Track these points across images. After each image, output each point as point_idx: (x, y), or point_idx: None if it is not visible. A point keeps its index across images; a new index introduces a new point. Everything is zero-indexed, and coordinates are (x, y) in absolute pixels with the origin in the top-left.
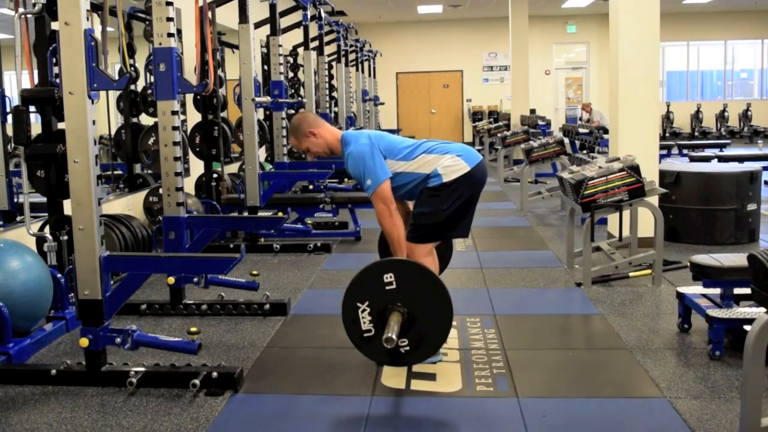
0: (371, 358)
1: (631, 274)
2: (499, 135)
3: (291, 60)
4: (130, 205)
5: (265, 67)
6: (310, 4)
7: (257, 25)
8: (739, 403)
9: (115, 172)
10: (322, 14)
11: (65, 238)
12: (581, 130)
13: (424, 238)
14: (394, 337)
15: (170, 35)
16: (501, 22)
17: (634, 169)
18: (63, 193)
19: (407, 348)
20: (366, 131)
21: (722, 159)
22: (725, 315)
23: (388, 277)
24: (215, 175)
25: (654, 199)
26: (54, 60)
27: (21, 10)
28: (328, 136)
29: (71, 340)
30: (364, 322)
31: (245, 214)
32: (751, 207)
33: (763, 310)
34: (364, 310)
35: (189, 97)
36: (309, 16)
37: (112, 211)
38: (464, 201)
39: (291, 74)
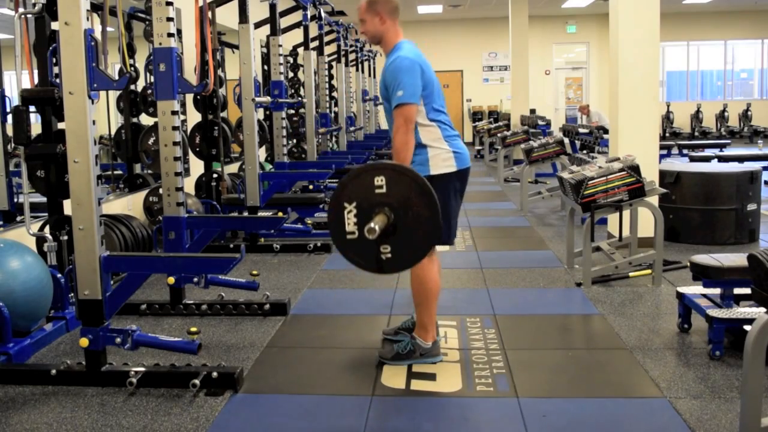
0: (352, 261)
1: (631, 274)
2: (499, 135)
3: (291, 60)
4: (130, 205)
5: (265, 67)
6: (310, 4)
7: (257, 25)
8: (739, 403)
9: (115, 172)
10: (322, 14)
11: (65, 238)
12: (581, 130)
13: None
14: (376, 228)
15: (170, 35)
16: (501, 22)
17: (634, 169)
18: (63, 193)
19: (389, 255)
20: (421, 61)
21: (722, 159)
22: (725, 315)
23: (379, 180)
24: (215, 175)
25: (654, 199)
26: (54, 60)
27: (21, 10)
28: (390, 32)
29: (71, 340)
30: (349, 224)
31: (245, 214)
32: (751, 207)
33: (763, 310)
34: (350, 211)
35: (189, 97)
36: (309, 16)
37: (112, 211)
38: (449, 195)
39: (291, 74)
